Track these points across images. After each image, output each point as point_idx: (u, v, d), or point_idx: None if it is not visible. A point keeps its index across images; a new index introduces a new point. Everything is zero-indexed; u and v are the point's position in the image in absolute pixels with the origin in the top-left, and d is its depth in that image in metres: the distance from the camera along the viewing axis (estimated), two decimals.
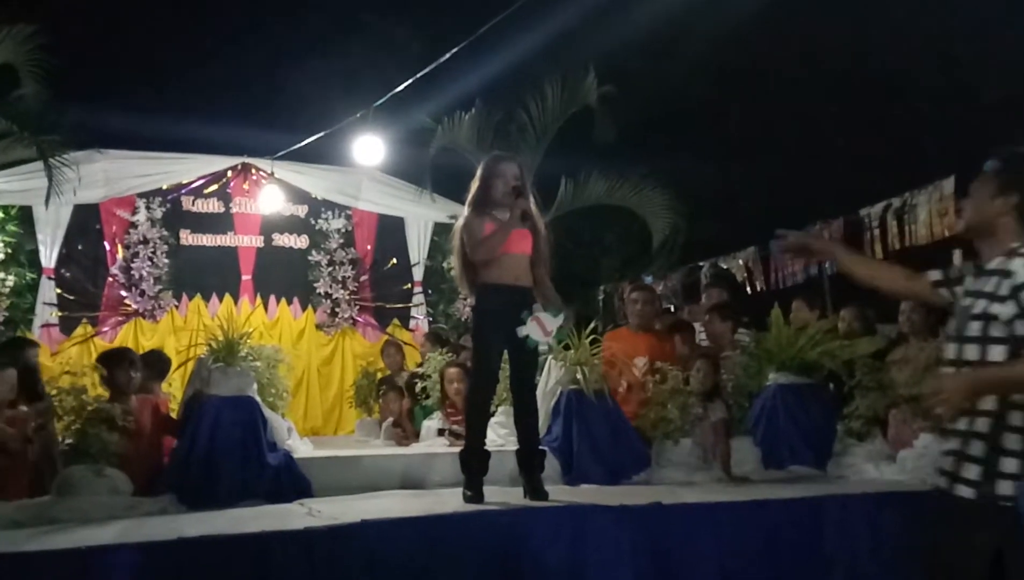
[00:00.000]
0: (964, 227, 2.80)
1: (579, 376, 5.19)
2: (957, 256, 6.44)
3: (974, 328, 2.61)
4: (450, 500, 4.21)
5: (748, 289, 9.94)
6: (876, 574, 4.17)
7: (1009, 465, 2.52)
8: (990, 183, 2.71)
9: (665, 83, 10.91)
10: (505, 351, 4.36)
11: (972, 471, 2.59)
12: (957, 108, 9.55)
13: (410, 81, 8.77)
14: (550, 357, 5.21)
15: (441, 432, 5.88)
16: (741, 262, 10.10)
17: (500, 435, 5.20)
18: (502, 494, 4.25)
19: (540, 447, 4.52)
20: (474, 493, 4.13)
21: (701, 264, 10.31)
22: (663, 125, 11.41)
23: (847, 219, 9.09)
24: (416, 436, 6.28)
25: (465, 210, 4.43)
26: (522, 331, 4.17)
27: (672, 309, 9.52)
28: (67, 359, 7.99)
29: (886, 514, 4.28)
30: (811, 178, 10.25)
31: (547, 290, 4.40)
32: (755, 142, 10.81)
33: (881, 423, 5.24)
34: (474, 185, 4.42)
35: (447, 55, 8.40)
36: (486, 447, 4.37)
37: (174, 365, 7.09)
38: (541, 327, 4.20)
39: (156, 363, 5.63)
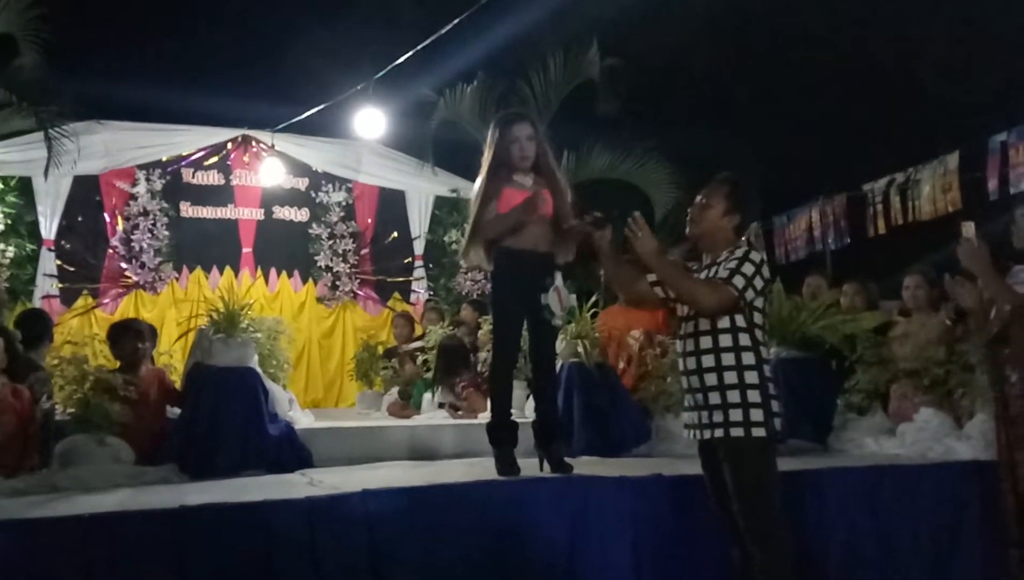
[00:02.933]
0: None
1: (580, 349, 5.19)
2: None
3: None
4: (451, 471, 4.23)
5: None
6: (873, 547, 4.20)
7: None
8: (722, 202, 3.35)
9: (668, 55, 10.81)
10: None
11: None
12: (963, 82, 9.47)
13: (411, 53, 8.69)
14: None
15: (441, 405, 5.89)
16: (743, 237, 10.06)
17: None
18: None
19: (559, 418, 4.43)
20: (509, 465, 4.00)
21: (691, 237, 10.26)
22: (666, 98, 11.32)
23: (850, 194, 9.06)
24: (418, 409, 6.30)
25: (480, 176, 4.18)
26: (544, 299, 3.96)
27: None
28: (68, 330, 7.98)
29: (885, 487, 4.30)
30: (814, 152, 10.20)
31: (570, 256, 4.18)
32: (758, 115, 10.74)
33: (882, 397, 5.26)
34: (487, 149, 4.17)
35: (449, 26, 8.31)
36: (513, 418, 4.22)
37: (174, 336, 7.13)
38: (560, 300, 4.07)
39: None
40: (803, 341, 5.44)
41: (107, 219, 8.99)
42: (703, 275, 3.33)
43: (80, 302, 8.73)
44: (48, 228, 8.59)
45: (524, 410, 5.24)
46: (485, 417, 5.24)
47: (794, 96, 10.58)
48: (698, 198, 3.42)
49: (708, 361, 3.23)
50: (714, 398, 3.21)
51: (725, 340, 3.21)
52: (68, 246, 8.76)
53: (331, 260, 9.73)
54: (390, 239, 10.08)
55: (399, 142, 9.92)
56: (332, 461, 4.65)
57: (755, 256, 3.24)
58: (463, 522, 3.61)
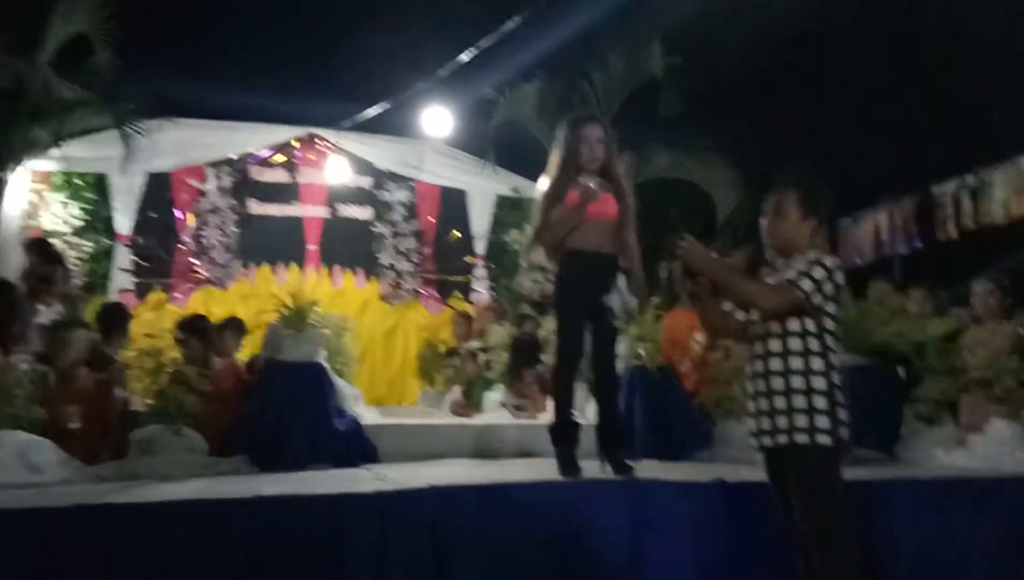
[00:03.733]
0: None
1: (641, 351, 5.19)
2: None
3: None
4: (514, 470, 4.28)
5: None
6: (942, 561, 4.12)
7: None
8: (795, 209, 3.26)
9: (732, 54, 10.69)
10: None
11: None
12: None
13: (474, 52, 8.75)
14: None
15: (503, 405, 5.94)
16: None
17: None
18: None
19: (621, 421, 4.44)
20: (570, 467, 4.03)
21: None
22: (730, 97, 11.20)
23: (919, 196, 8.87)
24: (479, 408, 6.36)
25: (547, 175, 4.21)
26: (609, 300, 4.00)
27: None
28: (144, 323, 8.23)
29: (955, 500, 4.22)
30: (881, 152, 10.00)
31: (634, 258, 4.22)
32: (823, 115, 10.56)
33: (951, 407, 5.15)
34: (557, 149, 4.21)
35: (511, 25, 8.35)
36: (575, 419, 4.24)
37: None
38: (623, 302, 4.07)
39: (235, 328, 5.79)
40: (869, 348, 5.36)
41: (178, 215, 9.22)
42: (773, 279, 3.29)
43: (153, 296, 8.97)
44: (123, 224, 8.84)
45: (585, 412, 5.25)
46: (546, 418, 5.29)
47: (862, 96, 10.39)
48: (767, 208, 3.33)
49: (775, 365, 3.19)
50: (780, 403, 3.17)
51: (794, 344, 3.16)
52: (141, 241, 8.99)
53: (394, 258, 9.84)
54: (451, 238, 10.16)
55: (460, 141, 9.99)
56: (396, 457, 4.75)
57: (828, 261, 3.18)
58: (527, 521, 3.66)
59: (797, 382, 3.14)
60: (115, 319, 5.66)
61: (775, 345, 3.21)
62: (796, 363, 3.16)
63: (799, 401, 3.14)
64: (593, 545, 3.74)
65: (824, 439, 3.12)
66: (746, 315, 3.34)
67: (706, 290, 3.34)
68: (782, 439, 3.17)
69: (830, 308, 3.19)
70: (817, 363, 3.15)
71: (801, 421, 3.13)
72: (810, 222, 3.27)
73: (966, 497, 4.21)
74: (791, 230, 3.26)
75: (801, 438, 3.13)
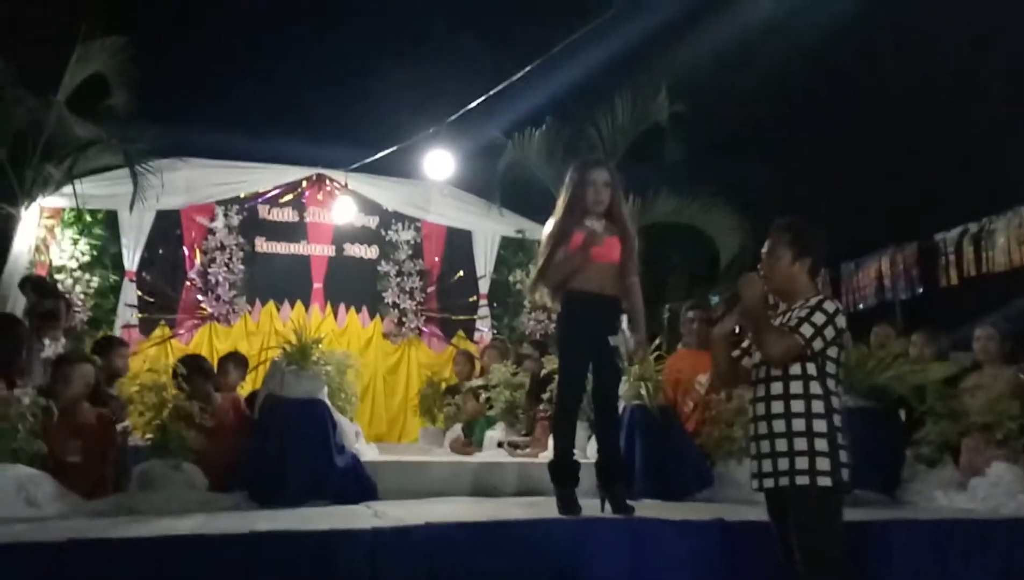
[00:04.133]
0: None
1: (642, 391, 5.20)
2: None
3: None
4: (513, 508, 4.27)
5: None
6: None
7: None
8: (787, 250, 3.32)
9: (735, 101, 10.83)
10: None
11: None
12: None
13: (482, 98, 8.89)
14: None
15: (500, 444, 5.93)
16: None
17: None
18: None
19: (622, 459, 4.46)
20: (570, 504, 4.04)
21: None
22: (733, 144, 11.31)
23: (921, 244, 8.90)
24: (479, 446, 6.35)
25: (555, 217, 4.28)
26: (614, 341, 4.06)
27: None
28: (146, 359, 8.27)
29: (955, 542, 4.20)
30: (883, 200, 10.06)
31: (636, 301, 4.27)
32: (826, 162, 10.65)
33: (952, 450, 5.14)
34: (564, 192, 4.29)
35: (519, 73, 8.49)
36: (576, 458, 4.26)
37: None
38: (625, 343, 4.12)
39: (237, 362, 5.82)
40: (871, 390, 5.36)
41: (186, 252, 9.32)
42: (777, 322, 3.32)
43: (157, 332, 9.03)
44: (131, 260, 8.92)
45: (586, 451, 5.25)
46: (546, 456, 5.29)
47: (865, 143, 10.48)
48: (763, 251, 3.40)
49: (777, 407, 3.22)
50: (781, 445, 3.19)
51: (796, 387, 3.19)
52: (149, 278, 9.08)
53: (398, 297, 9.91)
54: (456, 278, 10.23)
55: (467, 183, 10.11)
56: (395, 494, 4.74)
57: (828, 306, 3.22)
58: (524, 559, 3.65)
59: (798, 424, 3.17)
60: (108, 349, 5.69)
61: (776, 387, 3.24)
62: (797, 406, 3.18)
63: (800, 443, 3.16)
64: None
65: (825, 481, 3.13)
66: (750, 361, 3.39)
67: (721, 337, 3.41)
68: (783, 481, 3.19)
69: (832, 352, 3.22)
70: (818, 406, 3.18)
71: (802, 463, 3.15)
72: (803, 262, 3.32)
73: (966, 539, 4.19)
74: (784, 271, 3.33)
75: (802, 480, 3.15)
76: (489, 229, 10.18)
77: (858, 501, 4.97)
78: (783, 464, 3.18)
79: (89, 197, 8.45)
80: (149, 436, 4.60)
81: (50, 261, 8.48)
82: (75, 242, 8.67)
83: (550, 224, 4.31)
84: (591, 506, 4.17)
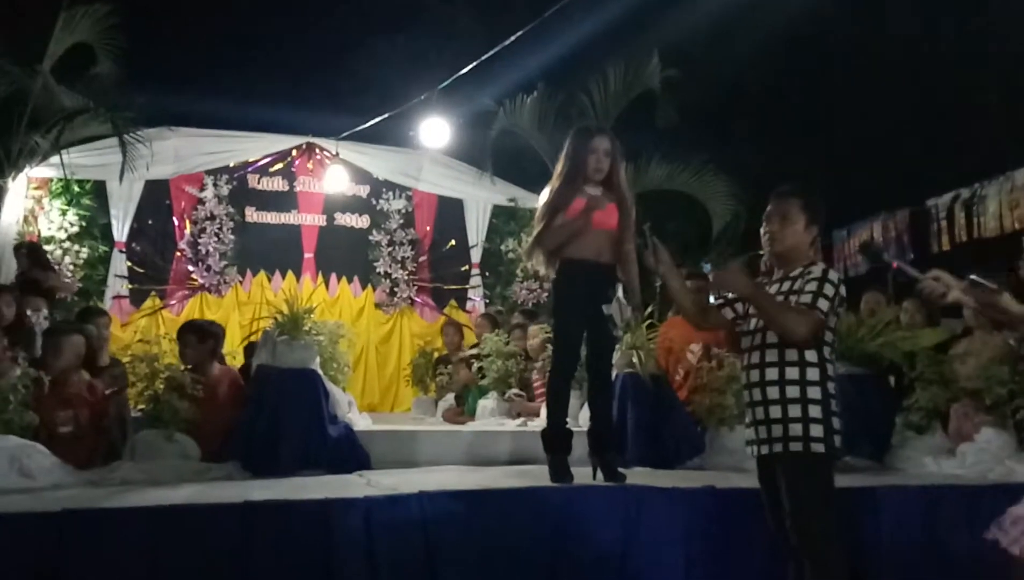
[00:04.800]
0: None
1: (635, 360, 5.21)
2: None
3: None
4: (505, 476, 4.29)
5: None
6: (929, 568, 4.14)
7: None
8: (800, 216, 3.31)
9: (728, 67, 10.79)
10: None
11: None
12: None
13: (474, 64, 8.81)
14: None
15: (503, 394, 5.94)
16: None
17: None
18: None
19: (613, 427, 4.48)
20: (562, 472, 4.06)
21: (761, 253, 10.19)
22: (726, 110, 11.29)
23: (913, 209, 8.91)
24: (472, 415, 6.37)
25: (553, 184, 4.26)
26: (607, 309, 4.02)
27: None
28: (137, 329, 8.26)
29: (943, 508, 4.24)
30: (876, 166, 10.07)
31: (631, 269, 4.25)
32: (819, 128, 10.64)
33: (942, 417, 5.18)
34: (563, 158, 4.26)
35: (511, 38, 8.41)
36: (569, 426, 4.28)
37: (238, 339, 7.32)
38: (620, 312, 4.11)
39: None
40: (861, 357, 5.39)
41: (176, 223, 9.26)
42: (774, 289, 3.31)
43: (148, 303, 8.99)
44: (120, 231, 8.87)
45: (578, 419, 5.28)
46: (536, 425, 5.32)
47: (856, 110, 10.46)
48: (771, 214, 3.35)
49: (772, 374, 3.22)
50: (775, 412, 3.20)
51: (791, 354, 3.19)
52: (138, 248, 9.03)
53: (390, 266, 9.89)
54: (448, 247, 10.20)
55: (458, 151, 10.05)
56: (388, 463, 4.75)
57: (834, 276, 3.22)
58: (517, 527, 3.68)
59: (792, 391, 3.17)
60: (89, 321, 5.67)
61: (771, 354, 3.23)
62: (792, 372, 3.19)
63: (794, 410, 3.17)
64: (583, 551, 3.76)
65: (818, 447, 3.15)
66: (744, 325, 3.39)
67: (671, 269, 3.45)
68: (777, 447, 3.20)
69: (830, 321, 3.23)
70: (813, 373, 3.19)
71: (795, 429, 3.16)
72: (812, 230, 3.32)
73: (955, 505, 4.23)
74: (796, 237, 3.31)
75: (795, 446, 3.16)
76: (481, 198, 10.14)
77: (848, 467, 5.02)
78: (777, 430, 3.19)
79: (77, 167, 8.37)
80: (142, 407, 4.60)
81: (38, 232, 8.41)
82: (63, 213, 8.60)
83: (548, 190, 4.29)
84: (583, 474, 4.19)
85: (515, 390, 5.93)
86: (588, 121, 8.35)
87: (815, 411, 3.15)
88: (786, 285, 3.28)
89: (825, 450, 3.16)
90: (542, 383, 5.92)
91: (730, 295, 3.48)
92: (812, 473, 3.18)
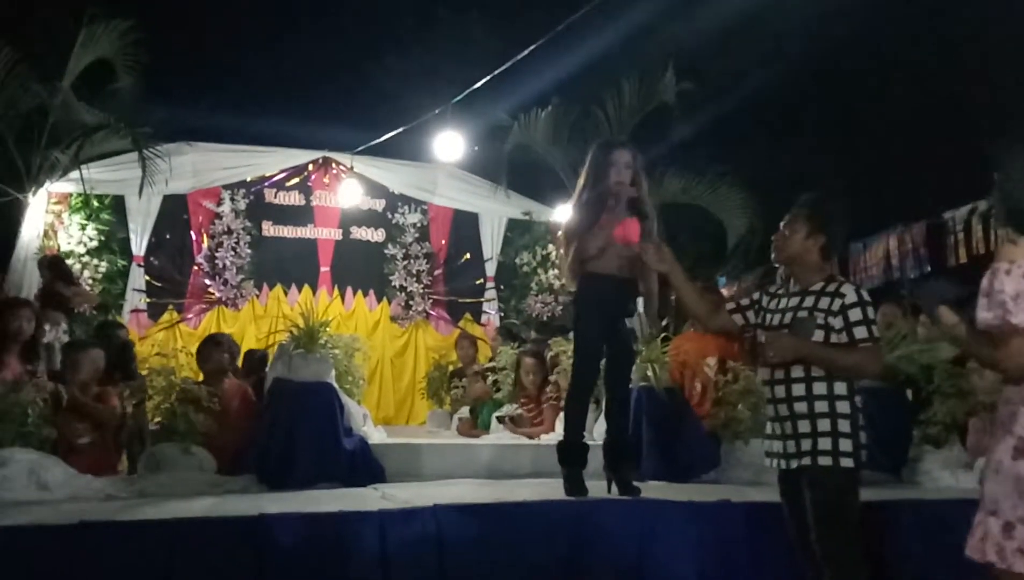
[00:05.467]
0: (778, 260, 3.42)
1: (649, 373, 5.20)
2: None
3: (818, 335, 3.20)
4: (520, 489, 4.28)
5: None
6: None
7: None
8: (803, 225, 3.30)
9: (744, 81, 10.78)
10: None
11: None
12: None
13: (488, 78, 8.85)
14: None
15: (500, 419, 5.94)
16: None
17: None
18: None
19: (629, 441, 4.47)
20: (577, 485, 4.05)
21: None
22: (741, 123, 11.27)
23: (930, 222, 8.85)
24: (486, 429, 6.37)
25: (575, 198, 4.28)
26: (629, 323, 4.07)
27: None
28: (155, 343, 8.31)
29: (961, 522, 4.18)
30: (893, 179, 10.02)
31: (651, 283, 4.25)
32: (835, 141, 10.61)
33: (959, 430, 5.13)
34: (584, 174, 4.27)
35: (525, 52, 8.45)
36: (585, 440, 4.28)
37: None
38: (641, 326, 4.12)
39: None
40: None
41: (193, 237, 9.33)
42: (794, 302, 3.28)
43: (166, 317, 9.05)
44: (138, 245, 8.95)
45: (593, 432, 5.27)
46: (550, 438, 5.31)
47: (874, 122, 10.42)
48: (781, 225, 3.39)
49: (799, 390, 3.21)
50: (803, 426, 3.19)
51: (817, 369, 3.19)
52: (156, 262, 9.10)
53: (405, 280, 9.92)
54: (463, 260, 10.23)
55: (473, 165, 10.09)
56: (403, 477, 4.76)
57: (866, 295, 3.23)
58: (532, 540, 3.67)
59: (821, 406, 3.17)
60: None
61: (797, 370, 3.22)
62: (820, 387, 3.18)
63: (823, 424, 3.16)
64: (599, 565, 3.74)
65: (847, 462, 3.15)
66: (744, 322, 3.41)
67: (675, 267, 3.46)
68: (805, 461, 3.19)
69: None
70: (840, 387, 3.19)
71: (825, 444, 3.15)
72: (818, 239, 3.29)
73: (973, 519, 4.17)
74: (797, 245, 3.31)
75: (824, 460, 3.16)
76: (496, 211, 10.17)
77: (865, 481, 4.94)
78: (806, 445, 3.18)
79: (96, 182, 8.46)
80: (158, 420, 4.64)
81: (58, 246, 8.50)
82: (83, 227, 8.69)
83: (572, 206, 4.31)
84: (598, 487, 4.19)
85: (510, 414, 5.90)
86: (608, 136, 8.36)
87: (844, 425, 3.16)
88: (808, 300, 3.25)
89: (854, 464, 3.17)
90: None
91: (744, 301, 3.49)
92: (839, 487, 3.18)
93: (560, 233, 4.32)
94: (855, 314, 3.16)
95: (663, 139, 9.27)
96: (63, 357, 4.92)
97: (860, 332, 3.15)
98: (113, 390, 4.80)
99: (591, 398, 4.44)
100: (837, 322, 3.18)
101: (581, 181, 4.29)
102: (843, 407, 3.17)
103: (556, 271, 9.41)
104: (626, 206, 4.19)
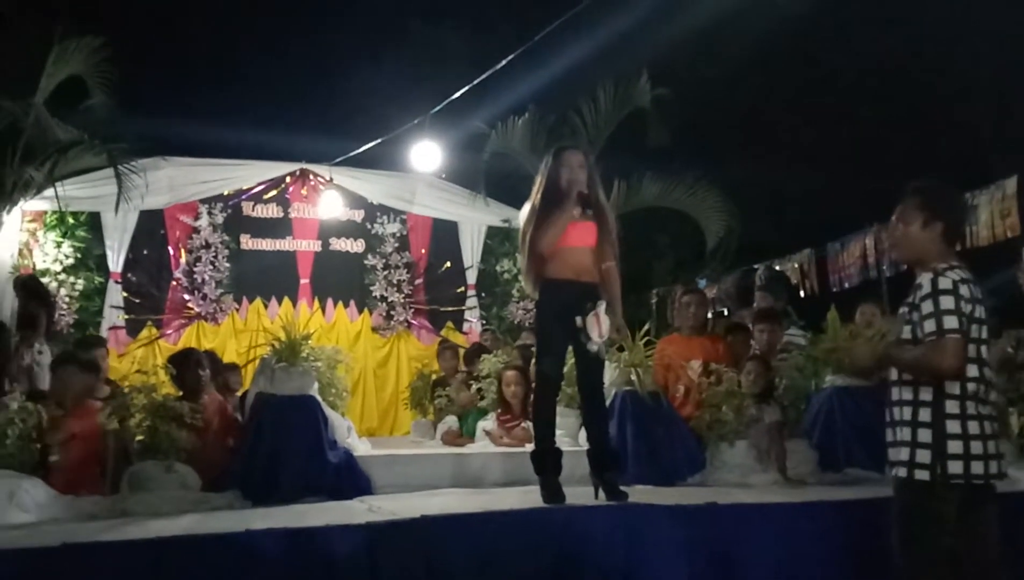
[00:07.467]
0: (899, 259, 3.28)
1: (633, 377, 5.21)
2: None
3: (906, 331, 3.10)
4: (507, 498, 4.28)
5: (803, 291, 9.84)
6: None
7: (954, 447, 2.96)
8: (917, 215, 3.14)
9: (719, 85, 10.86)
10: (570, 349, 4.27)
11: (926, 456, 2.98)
12: (1019, 106, 9.36)
13: (465, 88, 8.87)
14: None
15: (487, 431, 5.93)
16: (796, 264, 10.00)
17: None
18: (570, 495, 4.19)
19: (612, 445, 4.48)
20: (553, 492, 4.05)
21: (755, 267, 10.24)
22: (717, 127, 11.35)
23: None
24: (472, 437, 6.35)
25: (531, 202, 4.29)
26: (579, 322, 4.03)
27: (726, 313, 9.47)
28: (134, 360, 8.24)
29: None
30: (868, 178, 10.10)
31: (613, 286, 4.28)
32: (811, 142, 10.70)
33: None
34: (540, 178, 4.29)
35: (501, 62, 8.48)
36: (557, 446, 4.28)
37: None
38: (598, 326, 4.09)
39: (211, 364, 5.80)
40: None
41: (171, 252, 9.27)
42: (911, 299, 3.10)
43: (144, 333, 8.99)
44: (115, 261, 8.88)
45: (577, 438, 5.27)
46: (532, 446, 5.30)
47: (847, 123, 10.53)
48: (892, 220, 3.24)
49: (895, 394, 3.10)
50: (889, 434, 3.10)
51: (906, 374, 3.06)
52: (134, 278, 9.04)
53: (386, 290, 9.90)
54: (443, 269, 10.22)
55: (452, 174, 10.12)
56: (389, 488, 4.74)
57: (946, 282, 2.97)
58: (520, 548, 3.66)
59: (904, 413, 3.04)
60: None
61: (892, 374, 3.12)
62: (905, 393, 3.05)
63: (903, 433, 3.03)
64: (586, 570, 3.74)
65: (922, 474, 2.97)
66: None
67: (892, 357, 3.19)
68: (894, 471, 3.08)
69: (974, 332, 3.00)
70: (925, 393, 3.01)
71: (902, 454, 3.02)
72: (935, 226, 3.10)
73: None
74: (915, 238, 3.14)
75: (900, 472, 3.03)
76: (475, 219, 10.18)
77: (849, 479, 5.02)
78: (892, 454, 3.08)
79: (71, 199, 8.38)
80: (140, 438, 4.58)
81: (33, 265, 8.41)
82: (58, 245, 8.62)
83: (526, 210, 4.31)
84: (585, 494, 4.19)
85: (489, 425, 5.91)
86: (571, 141, 8.43)
87: (924, 435, 2.96)
88: (910, 295, 3.09)
89: (930, 478, 2.94)
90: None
91: (901, 309, 3.25)
92: (912, 502, 3.02)
93: (521, 242, 4.30)
94: (927, 306, 2.96)
95: (640, 144, 9.30)
96: (52, 375, 4.89)
97: (928, 326, 2.94)
98: (92, 407, 4.74)
99: (556, 402, 4.41)
100: (915, 316, 3.02)
101: (535, 188, 4.31)
102: (925, 415, 2.97)
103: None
104: (581, 207, 4.21)
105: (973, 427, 2.95)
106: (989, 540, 3.05)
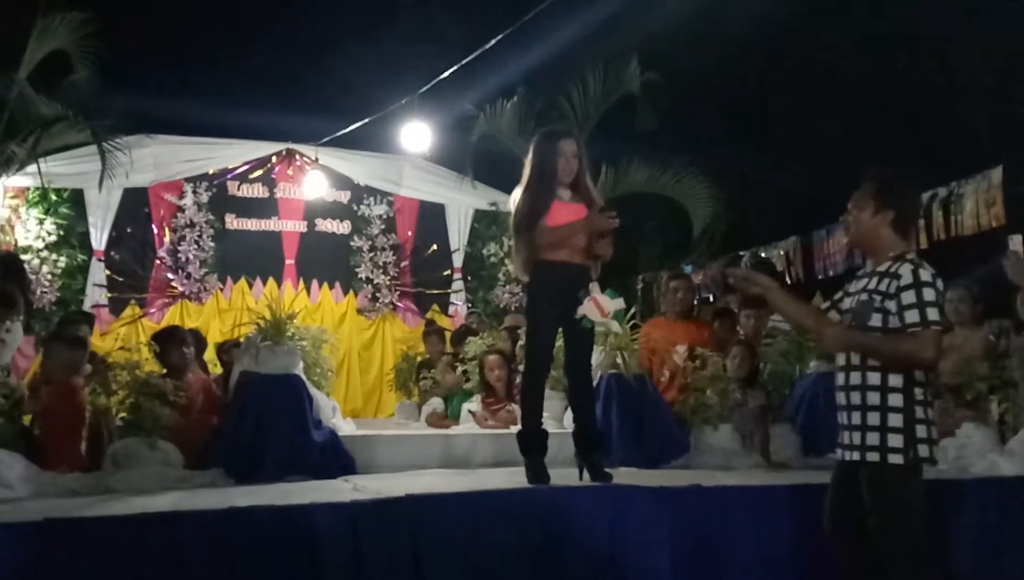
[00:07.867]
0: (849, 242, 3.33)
1: (619, 360, 5.22)
2: (1016, 241, 6.33)
3: (876, 319, 3.13)
4: (492, 478, 4.28)
5: (788, 278, 9.88)
6: None
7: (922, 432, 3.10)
8: (869, 202, 3.21)
9: (708, 70, 10.85)
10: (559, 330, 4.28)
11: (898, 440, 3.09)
12: (1006, 96, 9.40)
13: (453, 69, 8.82)
14: None
15: (472, 412, 5.93)
16: (782, 252, 10.03)
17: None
18: (555, 476, 4.20)
19: (598, 428, 4.50)
20: (538, 473, 4.07)
21: (741, 253, 10.27)
22: (706, 113, 11.34)
23: None
24: (456, 419, 6.35)
25: (522, 187, 4.26)
26: (579, 311, 4.05)
27: (711, 299, 9.51)
28: (117, 338, 8.19)
29: (925, 502, 4.26)
30: (854, 166, 10.14)
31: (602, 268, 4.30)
32: (797, 129, 10.71)
33: None
34: (531, 162, 4.26)
35: (491, 43, 8.44)
36: (550, 428, 4.31)
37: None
38: (598, 307, 4.10)
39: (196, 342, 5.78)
40: None
41: (155, 230, 9.21)
42: (862, 285, 3.20)
43: (128, 312, 8.94)
44: (98, 239, 8.82)
45: (563, 421, 5.28)
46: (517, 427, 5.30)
47: (834, 110, 10.54)
48: (848, 205, 3.29)
49: (855, 378, 3.16)
50: (855, 418, 3.15)
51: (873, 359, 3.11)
52: (117, 257, 8.98)
53: (371, 272, 9.88)
54: (430, 252, 10.20)
55: (439, 156, 10.07)
56: (374, 468, 4.74)
57: (926, 275, 3.05)
58: (504, 528, 3.67)
59: (873, 398, 3.09)
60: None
61: (855, 358, 3.16)
62: (873, 378, 3.10)
63: (872, 418, 3.09)
64: (571, 551, 3.76)
65: (895, 458, 3.05)
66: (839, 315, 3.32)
67: (776, 291, 3.35)
68: (855, 455, 3.15)
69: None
70: (895, 379, 3.07)
71: (872, 439, 3.08)
72: (886, 214, 3.18)
73: (936, 499, 4.24)
74: (865, 223, 3.22)
75: (872, 456, 3.09)
76: (462, 202, 10.16)
77: (831, 463, 5.03)
78: (856, 438, 3.14)
79: (54, 176, 8.32)
80: (123, 415, 4.56)
81: (15, 242, 8.33)
82: (41, 222, 8.54)
83: (517, 194, 4.29)
84: (570, 475, 4.20)
85: (474, 407, 5.91)
86: (559, 125, 8.37)
87: (895, 420, 3.05)
88: (872, 282, 3.16)
89: (903, 461, 3.04)
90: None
91: (837, 296, 3.42)
92: (890, 484, 3.09)
93: (513, 225, 4.28)
94: (908, 297, 3.03)
95: (629, 129, 9.29)
96: (43, 351, 4.87)
97: (911, 316, 3.01)
98: (75, 384, 4.71)
99: (545, 385, 4.43)
100: (892, 305, 3.07)
101: (527, 171, 4.28)
102: (895, 400, 3.05)
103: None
104: (572, 195, 4.23)
105: (931, 413, 3.12)
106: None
